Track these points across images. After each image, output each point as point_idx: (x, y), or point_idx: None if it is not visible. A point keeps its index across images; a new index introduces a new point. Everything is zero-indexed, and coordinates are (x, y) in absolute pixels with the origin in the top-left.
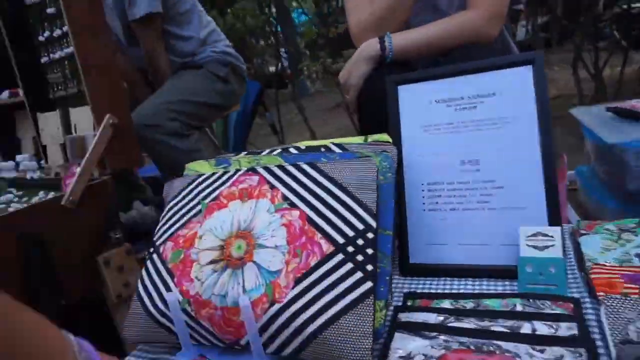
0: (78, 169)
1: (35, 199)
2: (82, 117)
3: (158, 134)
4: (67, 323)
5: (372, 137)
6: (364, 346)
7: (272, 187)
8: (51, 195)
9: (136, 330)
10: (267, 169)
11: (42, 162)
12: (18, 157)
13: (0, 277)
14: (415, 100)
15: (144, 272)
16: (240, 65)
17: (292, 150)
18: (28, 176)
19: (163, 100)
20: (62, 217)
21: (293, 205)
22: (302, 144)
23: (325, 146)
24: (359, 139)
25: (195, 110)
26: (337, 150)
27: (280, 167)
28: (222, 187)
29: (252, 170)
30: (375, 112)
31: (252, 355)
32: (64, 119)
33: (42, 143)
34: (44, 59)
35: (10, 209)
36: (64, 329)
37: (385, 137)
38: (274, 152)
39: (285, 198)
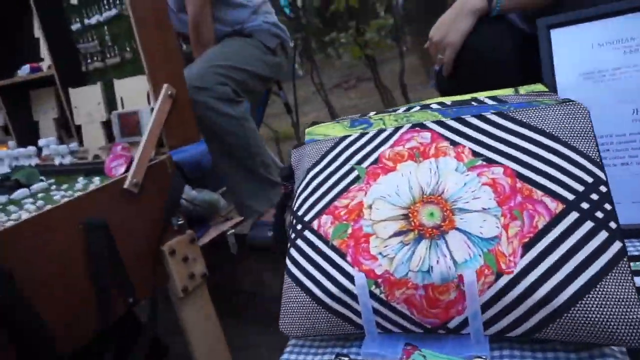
0: (139, 148)
1: (78, 186)
2: (130, 89)
3: (209, 97)
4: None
5: (524, 88)
6: (635, 316)
7: (454, 143)
8: (97, 180)
9: (299, 321)
10: (440, 123)
11: (73, 145)
12: (41, 142)
13: (66, 273)
14: (573, 45)
15: (295, 253)
16: (288, 40)
17: (435, 105)
18: (57, 162)
19: (212, 63)
20: (123, 202)
21: (491, 161)
22: (446, 99)
23: (475, 99)
24: (507, 91)
25: (244, 78)
26: (491, 102)
27: (459, 119)
28: (382, 148)
29: (420, 126)
30: (481, 73)
31: (470, 338)
32: (107, 92)
33: (74, 123)
34: (74, 26)
35: (57, 197)
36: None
37: (540, 86)
38: (414, 109)
39: (476, 154)
